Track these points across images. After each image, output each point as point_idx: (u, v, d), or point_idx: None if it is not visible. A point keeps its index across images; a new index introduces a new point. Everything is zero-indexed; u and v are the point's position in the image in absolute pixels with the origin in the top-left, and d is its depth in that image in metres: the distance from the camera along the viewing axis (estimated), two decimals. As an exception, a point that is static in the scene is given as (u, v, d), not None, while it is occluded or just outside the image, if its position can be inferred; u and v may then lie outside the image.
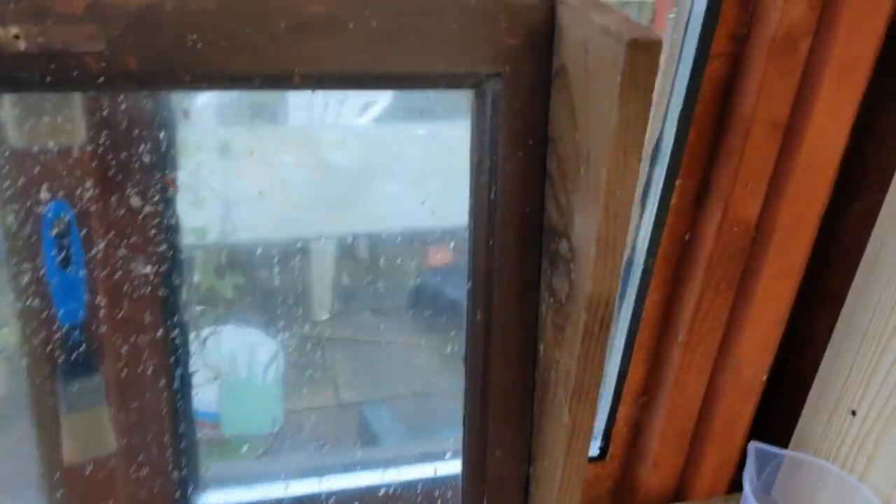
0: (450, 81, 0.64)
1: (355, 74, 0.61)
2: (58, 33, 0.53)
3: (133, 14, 0.55)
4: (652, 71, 0.54)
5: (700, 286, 0.95)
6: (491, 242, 0.69)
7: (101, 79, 0.56)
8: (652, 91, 0.55)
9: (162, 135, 0.63)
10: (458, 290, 0.74)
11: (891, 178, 0.88)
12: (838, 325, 0.97)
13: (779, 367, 1.03)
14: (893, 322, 0.89)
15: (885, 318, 0.90)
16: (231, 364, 1.05)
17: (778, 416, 1.09)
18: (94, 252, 0.62)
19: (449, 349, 0.96)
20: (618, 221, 0.59)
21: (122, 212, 0.62)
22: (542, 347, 0.72)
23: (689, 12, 0.84)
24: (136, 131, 0.60)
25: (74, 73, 0.55)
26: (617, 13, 0.58)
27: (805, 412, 1.04)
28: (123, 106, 0.59)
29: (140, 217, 0.62)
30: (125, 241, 0.63)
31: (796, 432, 1.05)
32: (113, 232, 0.62)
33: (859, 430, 0.95)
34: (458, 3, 0.61)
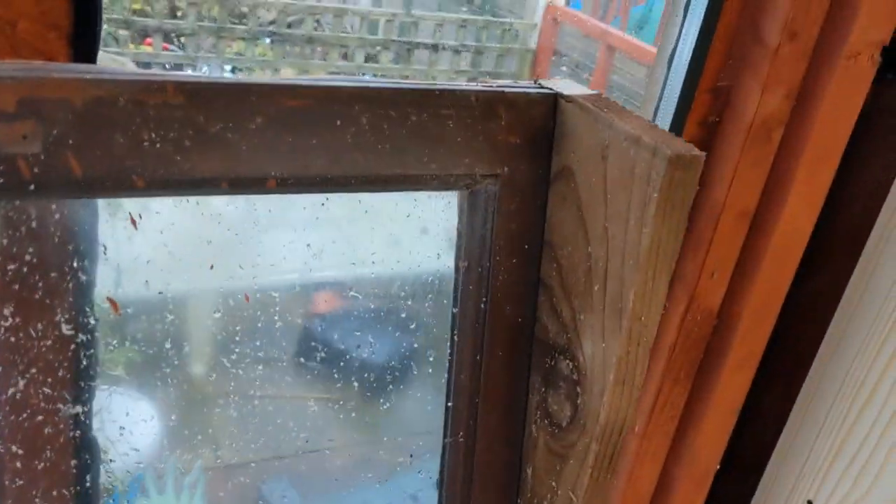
0: (442, 183, 0.56)
1: (339, 178, 0.52)
2: (-20, 133, 0.42)
3: (78, 110, 0.44)
4: (692, 188, 0.48)
5: (661, 375, 0.90)
6: (479, 357, 0.61)
7: (32, 186, 0.44)
8: (688, 210, 0.49)
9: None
10: (346, 338, 0.68)
11: (851, 256, 0.87)
12: (795, 410, 0.95)
13: (728, 449, 1.01)
14: (857, 409, 0.87)
15: (845, 408, 0.88)
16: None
17: (726, 502, 1.06)
18: (10, 392, 0.50)
19: (340, 403, 0.89)
20: (640, 347, 0.53)
21: (49, 343, 0.50)
22: (529, 472, 0.64)
23: (660, 98, 0.80)
24: (71, 245, 0.48)
25: (1, 181, 0.43)
26: (639, 118, 0.52)
27: (756, 499, 1.01)
28: (57, 216, 0.48)
29: (70, 348, 0.51)
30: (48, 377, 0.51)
31: (746, 519, 1.02)
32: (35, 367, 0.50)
33: (816, 520, 0.93)
34: (457, 98, 0.54)
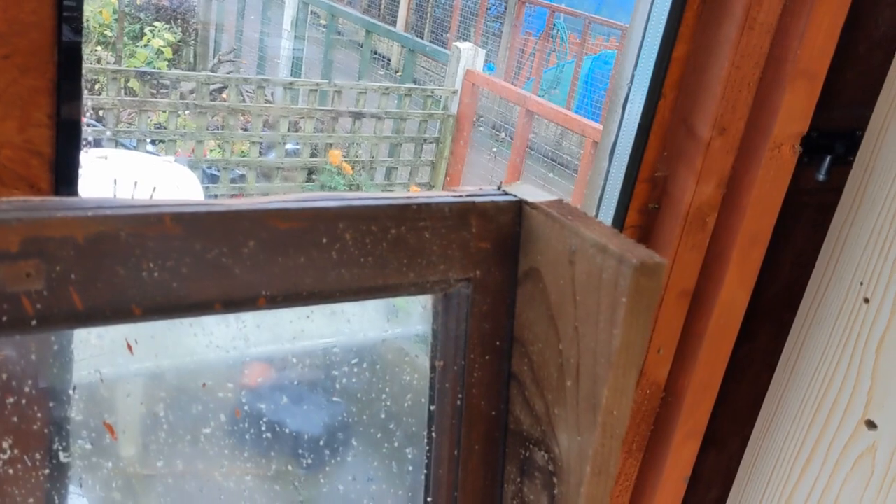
0: (420, 289, 0.59)
1: (324, 291, 0.55)
2: (-14, 274, 0.43)
3: (81, 246, 0.46)
4: (657, 293, 0.53)
5: (615, 449, 0.94)
6: (456, 453, 0.64)
7: (35, 321, 0.45)
8: (654, 311, 0.53)
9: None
10: (277, 410, 0.69)
11: (784, 323, 0.94)
12: (740, 472, 1.00)
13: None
14: (797, 472, 0.93)
15: (787, 470, 0.93)
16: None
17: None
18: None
19: (272, 472, 0.90)
20: (614, 439, 0.57)
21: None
22: (508, 558, 0.67)
23: (603, 189, 0.85)
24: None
25: (3, 318, 0.44)
26: (602, 225, 0.57)
27: (709, 560, 1.05)
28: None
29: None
30: None
31: (700, 580, 1.06)
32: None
33: (766, 578, 0.97)
34: (432, 211, 0.57)
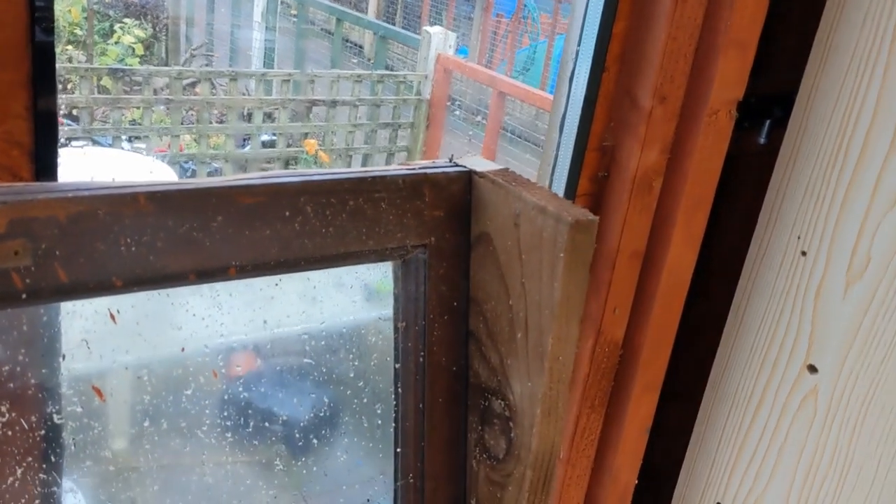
0: (379, 256, 0.64)
1: (290, 261, 0.60)
2: (-22, 253, 0.48)
3: (63, 224, 0.50)
4: (591, 247, 0.58)
5: (578, 405, 1.00)
6: (421, 406, 0.69)
7: (24, 295, 0.50)
8: (589, 263, 0.59)
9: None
10: (265, 398, 0.74)
11: (730, 282, 1.00)
12: (697, 423, 1.06)
13: (643, 465, 1.11)
14: (749, 418, 0.99)
15: (740, 415, 1.00)
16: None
17: (647, 513, 1.16)
18: None
19: (264, 460, 0.94)
20: (560, 383, 0.62)
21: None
22: (473, 503, 0.72)
23: (555, 159, 0.91)
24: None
25: (-4, 293, 0.49)
26: (543, 190, 0.62)
27: (673, 507, 1.11)
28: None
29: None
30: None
31: (666, 527, 1.13)
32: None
33: (726, 520, 1.04)
34: (387, 183, 0.62)
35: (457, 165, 0.67)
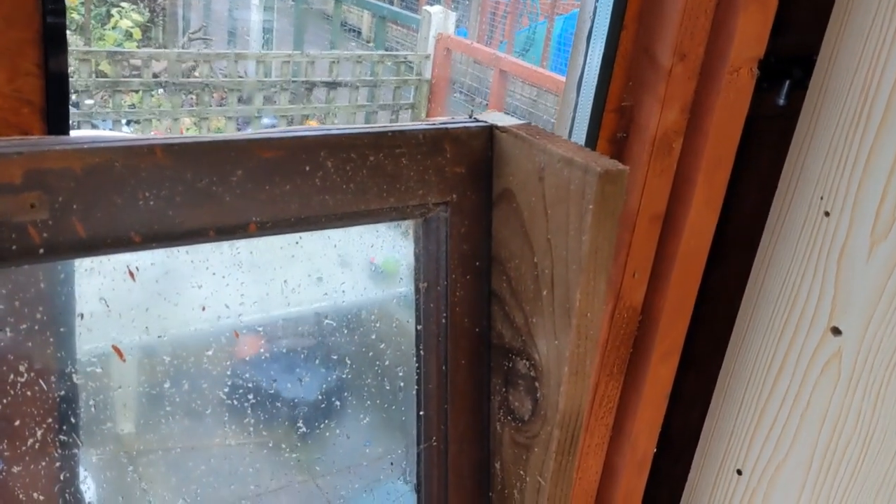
0: (400, 214, 0.63)
1: (310, 217, 0.58)
2: (-6, 205, 0.46)
3: (80, 177, 0.49)
4: (621, 198, 0.56)
5: (597, 372, 0.99)
6: (444, 368, 0.68)
7: (42, 249, 0.49)
8: (619, 215, 0.57)
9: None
10: (273, 381, 0.72)
11: (750, 246, 0.98)
12: (716, 390, 1.05)
13: (662, 433, 1.10)
14: (770, 384, 0.98)
15: (760, 382, 0.98)
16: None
17: (664, 482, 1.15)
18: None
19: (271, 443, 0.93)
20: (588, 340, 0.61)
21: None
22: (498, 466, 0.71)
23: (573, 121, 0.89)
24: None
25: (13, 247, 0.47)
26: (568, 142, 0.60)
27: (691, 475, 1.10)
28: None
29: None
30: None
31: (684, 496, 1.12)
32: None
33: (745, 489, 1.03)
34: (407, 138, 0.61)
35: (477, 121, 0.66)
